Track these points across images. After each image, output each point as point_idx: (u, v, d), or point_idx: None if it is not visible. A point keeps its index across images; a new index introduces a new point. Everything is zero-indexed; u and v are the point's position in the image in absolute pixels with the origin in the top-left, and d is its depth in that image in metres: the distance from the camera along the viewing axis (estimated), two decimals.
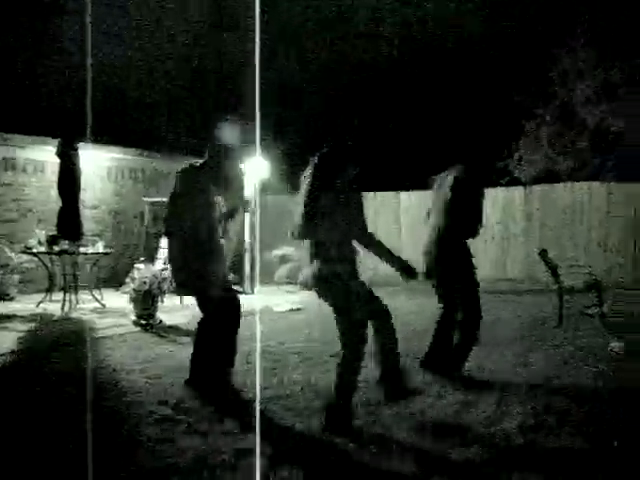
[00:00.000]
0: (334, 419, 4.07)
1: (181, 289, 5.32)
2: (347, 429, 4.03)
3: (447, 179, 5.57)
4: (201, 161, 5.06)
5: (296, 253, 14.03)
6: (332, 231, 4.03)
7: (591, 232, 13.54)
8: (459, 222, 5.39)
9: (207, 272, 4.78)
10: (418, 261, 4.79)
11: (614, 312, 6.86)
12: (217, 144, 5.00)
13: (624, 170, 14.12)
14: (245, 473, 3.42)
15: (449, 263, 5.43)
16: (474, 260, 5.49)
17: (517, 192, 14.34)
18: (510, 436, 3.94)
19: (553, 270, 8.06)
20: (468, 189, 5.44)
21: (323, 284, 4.08)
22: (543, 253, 8.22)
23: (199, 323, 5.07)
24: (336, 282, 4.04)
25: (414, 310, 9.00)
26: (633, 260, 13.02)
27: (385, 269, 4.58)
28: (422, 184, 14.35)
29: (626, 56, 14.22)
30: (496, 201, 13.65)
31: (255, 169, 11.39)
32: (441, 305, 5.53)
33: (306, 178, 4.15)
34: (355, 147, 4.24)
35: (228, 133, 5.09)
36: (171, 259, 5.00)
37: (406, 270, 4.21)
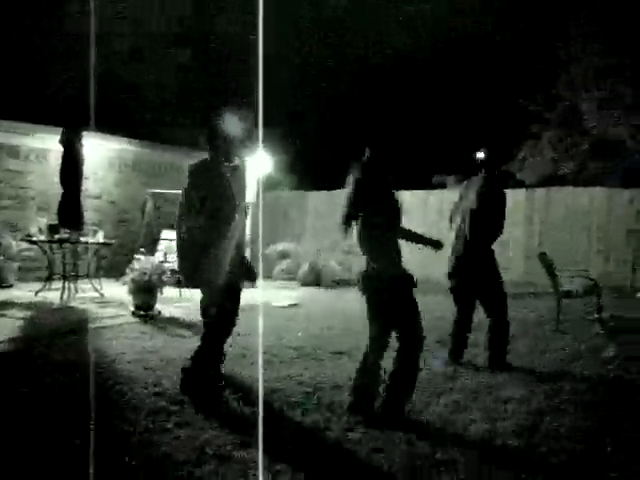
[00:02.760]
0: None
1: (190, 282, 5.19)
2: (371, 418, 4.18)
3: (472, 185, 5.81)
4: (210, 156, 4.95)
5: (295, 249, 14.06)
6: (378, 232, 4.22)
7: (591, 237, 13.55)
8: (486, 227, 5.80)
9: (218, 266, 4.76)
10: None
11: (613, 318, 6.86)
12: (225, 138, 4.92)
13: (625, 176, 14.14)
14: (244, 466, 3.43)
15: (479, 266, 5.82)
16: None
17: (519, 195, 14.35)
18: None
19: (552, 273, 8.06)
20: (493, 194, 5.87)
21: (374, 285, 4.20)
22: (542, 256, 8.22)
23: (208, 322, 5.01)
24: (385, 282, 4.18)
25: None
26: (633, 265, 13.03)
27: None
28: (423, 184, 14.37)
29: (631, 63, 14.18)
30: None
31: (257, 164, 11.39)
32: (460, 306, 5.98)
33: (350, 185, 4.28)
34: (394, 152, 4.35)
35: (233, 127, 5.03)
36: (183, 254, 4.88)
37: (435, 244, 4.78)
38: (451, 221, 6.14)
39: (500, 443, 3.88)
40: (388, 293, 4.15)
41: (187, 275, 4.90)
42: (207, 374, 4.81)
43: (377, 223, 4.19)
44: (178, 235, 4.82)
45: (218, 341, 4.91)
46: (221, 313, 4.87)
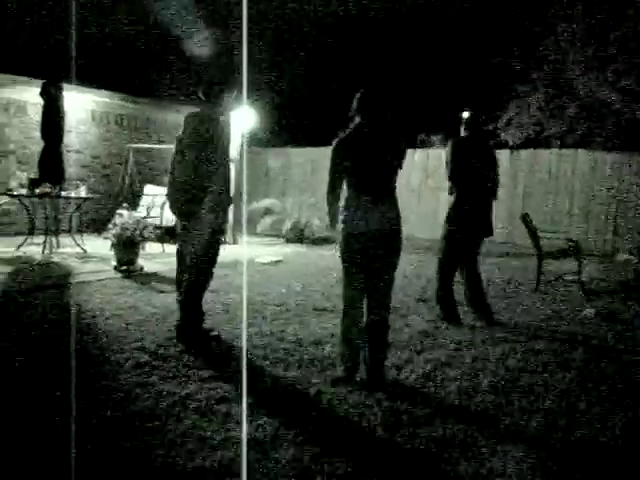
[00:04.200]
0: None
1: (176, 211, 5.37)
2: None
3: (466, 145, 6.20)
4: (205, 107, 5.10)
5: (280, 205, 14.02)
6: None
7: (574, 199, 13.63)
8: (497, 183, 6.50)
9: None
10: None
11: (592, 279, 6.97)
12: (219, 92, 5.09)
13: (610, 139, 14.17)
14: (226, 420, 3.47)
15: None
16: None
17: (503, 155, 14.34)
18: None
19: (534, 234, 8.12)
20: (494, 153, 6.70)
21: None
22: (525, 217, 8.27)
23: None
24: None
25: None
26: (614, 228, 13.14)
27: None
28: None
29: (620, 27, 14.06)
30: None
31: (242, 120, 11.26)
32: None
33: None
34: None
35: (226, 81, 5.16)
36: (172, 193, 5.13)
37: None
38: (452, 178, 6.14)
39: (479, 399, 3.96)
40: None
41: (174, 206, 5.20)
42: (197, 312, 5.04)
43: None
44: (171, 176, 5.14)
45: (206, 277, 5.09)
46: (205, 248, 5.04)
